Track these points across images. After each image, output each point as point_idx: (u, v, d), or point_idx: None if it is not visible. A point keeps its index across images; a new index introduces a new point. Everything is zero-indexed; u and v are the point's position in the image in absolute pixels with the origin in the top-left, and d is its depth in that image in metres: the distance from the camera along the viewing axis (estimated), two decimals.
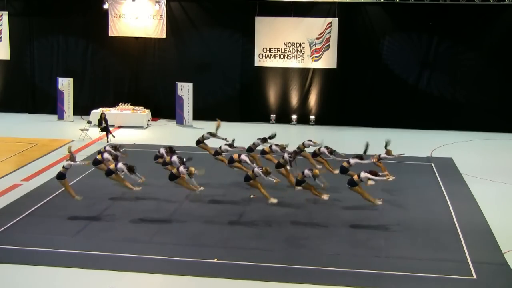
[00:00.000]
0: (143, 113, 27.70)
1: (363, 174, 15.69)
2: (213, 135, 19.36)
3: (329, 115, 28.10)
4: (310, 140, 19.10)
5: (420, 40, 27.23)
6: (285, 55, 28.14)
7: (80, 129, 24.82)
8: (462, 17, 26.69)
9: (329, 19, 27.49)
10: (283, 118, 28.30)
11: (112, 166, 16.43)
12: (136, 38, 28.86)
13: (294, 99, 28.48)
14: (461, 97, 27.37)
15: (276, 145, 18.68)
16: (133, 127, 26.94)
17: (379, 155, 17.99)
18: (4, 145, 23.26)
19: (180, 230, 15.04)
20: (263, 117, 28.38)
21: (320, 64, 27.98)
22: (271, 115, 28.43)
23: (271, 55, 28.21)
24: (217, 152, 18.52)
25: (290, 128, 27.58)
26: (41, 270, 12.77)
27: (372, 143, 18.80)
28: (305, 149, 19.02)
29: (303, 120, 28.27)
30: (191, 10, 28.51)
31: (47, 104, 29.29)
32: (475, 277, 12.71)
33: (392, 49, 27.46)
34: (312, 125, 28.01)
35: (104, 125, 24.15)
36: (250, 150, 18.93)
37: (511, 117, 27.10)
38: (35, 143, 23.52)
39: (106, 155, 17.34)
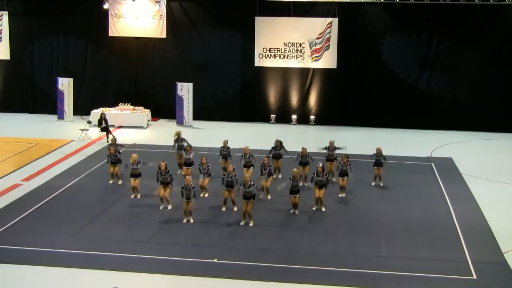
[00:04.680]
0: (143, 113, 27.69)
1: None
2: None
3: (329, 115, 28.09)
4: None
5: (420, 40, 27.22)
6: (285, 55, 28.13)
7: (80, 129, 24.81)
8: (462, 17, 26.68)
9: (329, 19, 27.48)
10: (283, 118, 28.29)
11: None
12: (136, 38, 28.85)
13: (294, 99, 28.47)
14: (461, 97, 27.37)
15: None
16: (133, 127, 26.94)
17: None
18: (4, 145, 23.26)
19: (180, 230, 15.05)
20: (263, 117, 28.36)
21: (320, 64, 27.97)
22: (271, 115, 28.42)
23: (271, 55, 28.21)
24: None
25: (290, 128, 27.58)
26: (41, 270, 12.77)
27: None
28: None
29: (303, 120, 28.26)
30: (191, 10, 28.51)
31: (47, 104, 29.29)
32: (475, 277, 12.72)
33: (392, 49, 27.46)
34: (312, 125, 28.00)
35: (104, 125, 24.15)
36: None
37: (511, 117, 27.10)
38: (35, 143, 23.52)
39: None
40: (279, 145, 19.14)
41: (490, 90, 27.11)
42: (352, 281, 12.47)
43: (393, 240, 14.62)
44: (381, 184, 18.81)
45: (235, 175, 16.27)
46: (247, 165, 18.34)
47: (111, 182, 18.66)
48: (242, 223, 15.46)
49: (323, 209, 16.66)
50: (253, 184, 15.51)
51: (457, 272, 12.88)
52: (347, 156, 17.84)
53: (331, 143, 18.98)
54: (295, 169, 16.43)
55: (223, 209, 16.48)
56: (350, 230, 15.31)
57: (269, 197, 17.46)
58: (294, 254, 13.74)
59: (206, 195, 17.56)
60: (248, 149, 18.50)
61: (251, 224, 15.42)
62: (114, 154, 18.57)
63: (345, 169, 17.66)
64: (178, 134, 19.81)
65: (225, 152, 18.94)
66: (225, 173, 16.52)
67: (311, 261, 13.31)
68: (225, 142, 19.12)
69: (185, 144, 19.27)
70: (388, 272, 12.89)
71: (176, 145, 19.69)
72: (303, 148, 18.62)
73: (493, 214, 16.36)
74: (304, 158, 18.48)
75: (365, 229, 15.32)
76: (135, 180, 17.32)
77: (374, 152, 18.75)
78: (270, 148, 19.21)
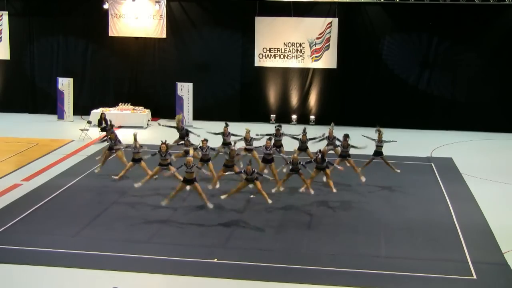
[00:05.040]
0: (143, 113, 27.70)
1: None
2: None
3: (329, 115, 27.91)
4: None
5: (420, 40, 27.22)
6: (285, 55, 28.14)
7: (80, 129, 24.82)
8: (462, 17, 26.68)
9: (329, 19, 27.48)
10: (283, 118, 28.28)
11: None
12: (136, 38, 28.85)
13: (294, 99, 28.48)
14: (461, 97, 27.36)
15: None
16: (133, 127, 26.91)
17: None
18: (4, 145, 23.26)
19: (180, 230, 15.04)
20: (263, 117, 28.36)
21: (320, 64, 27.97)
22: (271, 115, 28.42)
23: (271, 55, 28.21)
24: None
25: (290, 128, 27.52)
26: (41, 270, 12.77)
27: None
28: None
29: (303, 120, 28.24)
30: (191, 10, 28.51)
31: (47, 104, 29.29)
32: (475, 277, 12.72)
33: (392, 49, 27.46)
34: (312, 125, 28.00)
35: (104, 125, 24.15)
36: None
37: (511, 117, 27.11)
38: (35, 143, 23.52)
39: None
40: (279, 133, 19.05)
41: (490, 90, 27.11)
42: (352, 281, 12.46)
43: (393, 240, 14.63)
44: (398, 171, 18.75)
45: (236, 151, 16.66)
46: (248, 150, 18.30)
47: (98, 170, 18.92)
48: (223, 197, 15.88)
49: (334, 190, 16.84)
50: (255, 171, 15.55)
51: (457, 272, 12.88)
52: (346, 135, 17.97)
53: (331, 131, 18.98)
54: (295, 154, 16.50)
55: (217, 186, 17.01)
56: (350, 230, 15.31)
57: (273, 191, 17.32)
58: (294, 254, 13.74)
59: (212, 186, 17.44)
60: (249, 135, 18.52)
61: (270, 202, 15.63)
62: (115, 138, 18.68)
63: (347, 148, 17.80)
64: (178, 121, 19.80)
65: (225, 137, 18.87)
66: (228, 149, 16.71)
67: (311, 261, 13.31)
68: (225, 128, 19.00)
69: (185, 131, 19.41)
70: (388, 272, 12.89)
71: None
72: (303, 134, 18.66)
73: (493, 214, 16.35)
74: (303, 143, 18.54)
75: (365, 229, 15.32)
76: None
77: (375, 138, 18.74)
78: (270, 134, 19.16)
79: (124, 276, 12.57)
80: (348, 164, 18.15)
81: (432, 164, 21.34)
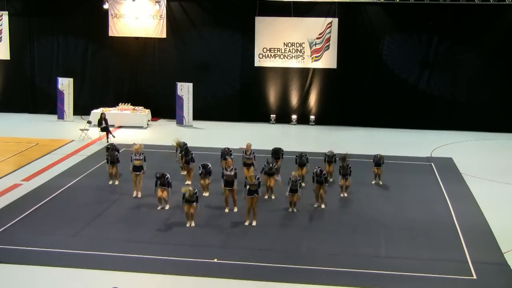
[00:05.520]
0: (143, 113, 27.69)
1: None
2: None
3: (329, 115, 28.10)
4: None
5: (420, 40, 27.23)
6: (285, 55, 28.13)
7: (80, 129, 24.82)
8: (462, 17, 26.69)
9: (329, 19, 27.48)
10: (283, 118, 28.29)
11: None
12: (136, 38, 28.85)
13: (294, 99, 28.47)
14: (461, 97, 27.37)
15: None
16: (133, 127, 26.94)
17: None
18: (4, 145, 23.26)
19: (180, 230, 15.04)
20: (263, 117, 28.37)
21: (320, 64, 27.97)
22: (271, 115, 28.41)
23: (271, 55, 28.21)
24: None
25: (290, 128, 27.58)
26: (41, 270, 12.77)
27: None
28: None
29: (303, 120, 28.25)
30: (191, 10, 28.51)
31: (47, 104, 29.29)
32: (475, 277, 12.72)
33: (392, 49, 27.46)
34: (312, 125, 28.01)
35: (104, 125, 24.14)
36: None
37: (511, 117, 27.11)
38: (35, 143, 23.52)
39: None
40: (279, 166, 18.78)
41: (490, 90, 27.12)
42: (352, 281, 12.46)
43: (393, 240, 14.62)
44: (381, 183, 18.83)
45: (235, 169, 16.29)
46: (247, 164, 18.20)
47: (110, 182, 18.64)
48: (246, 223, 15.38)
49: (323, 206, 16.71)
50: (258, 179, 15.47)
51: (457, 272, 12.88)
52: (345, 156, 17.88)
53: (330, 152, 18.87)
54: (293, 172, 16.48)
55: (226, 210, 16.39)
56: (350, 230, 15.31)
57: (273, 197, 17.42)
58: (294, 254, 13.74)
59: (207, 194, 17.49)
60: (249, 146, 18.34)
61: (254, 224, 15.37)
62: (114, 154, 18.51)
63: (346, 172, 17.71)
64: (178, 142, 19.44)
65: (226, 154, 18.65)
66: (225, 167, 16.40)
67: (311, 261, 13.31)
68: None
69: (185, 147, 18.99)
70: (388, 272, 12.89)
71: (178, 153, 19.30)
72: (301, 158, 18.61)
73: (493, 214, 16.36)
74: (301, 159, 18.52)
75: (365, 229, 15.32)
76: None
77: (376, 156, 18.80)
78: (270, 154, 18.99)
79: (124, 276, 12.57)
80: (341, 183, 17.86)
81: (432, 164, 21.34)
